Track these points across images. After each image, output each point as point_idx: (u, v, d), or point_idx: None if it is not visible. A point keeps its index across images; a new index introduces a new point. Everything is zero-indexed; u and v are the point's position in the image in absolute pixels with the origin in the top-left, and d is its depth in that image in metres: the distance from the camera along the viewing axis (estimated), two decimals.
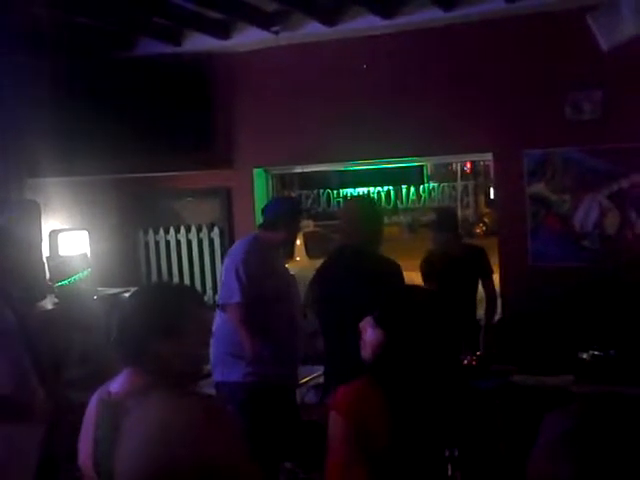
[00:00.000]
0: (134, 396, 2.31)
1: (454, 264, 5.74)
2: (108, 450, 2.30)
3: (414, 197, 7.36)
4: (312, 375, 5.81)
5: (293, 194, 8.58)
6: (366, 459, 2.40)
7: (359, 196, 7.39)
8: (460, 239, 6.26)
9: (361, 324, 2.53)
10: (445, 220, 5.96)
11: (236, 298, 4.67)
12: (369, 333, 2.50)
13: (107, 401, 2.38)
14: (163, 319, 2.35)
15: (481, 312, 5.98)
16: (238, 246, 4.99)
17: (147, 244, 7.68)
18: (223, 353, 4.76)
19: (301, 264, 12.58)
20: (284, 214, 4.89)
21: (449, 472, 2.33)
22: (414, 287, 2.64)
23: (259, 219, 7.20)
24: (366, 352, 2.51)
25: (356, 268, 4.37)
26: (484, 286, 5.91)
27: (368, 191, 7.45)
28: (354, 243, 4.63)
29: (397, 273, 4.39)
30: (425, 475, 2.40)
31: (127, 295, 2.47)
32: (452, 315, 2.60)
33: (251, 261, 4.74)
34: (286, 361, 4.85)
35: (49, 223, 6.33)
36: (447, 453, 2.33)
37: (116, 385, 2.40)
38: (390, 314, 2.49)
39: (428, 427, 2.41)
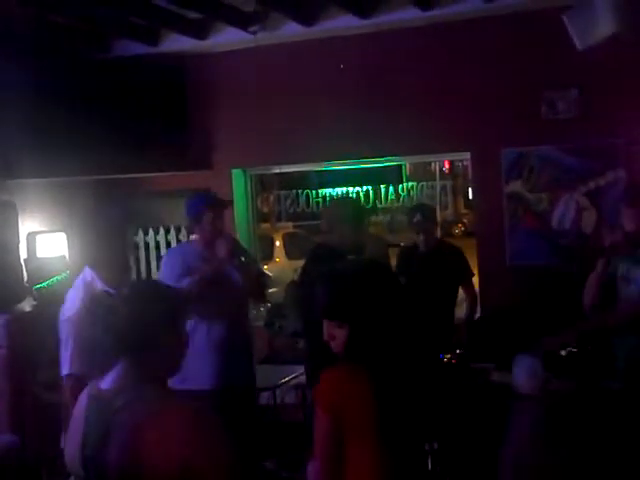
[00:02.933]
0: (124, 393, 2.31)
1: (430, 261, 5.69)
2: (96, 446, 2.30)
3: (393, 197, 7.36)
4: (292, 375, 5.81)
5: (272, 195, 8.57)
6: (350, 448, 2.42)
7: (344, 196, 7.37)
8: (434, 234, 6.21)
9: (325, 336, 2.53)
10: (424, 215, 5.88)
11: None
12: (337, 335, 2.52)
13: (97, 397, 2.38)
14: (168, 312, 2.41)
15: (459, 312, 5.97)
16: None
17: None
18: None
19: (280, 265, 12.59)
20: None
21: (429, 466, 2.34)
22: (356, 270, 2.63)
23: (239, 219, 7.25)
24: (339, 350, 2.52)
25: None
26: (464, 287, 5.87)
27: (347, 191, 7.44)
28: (335, 243, 4.64)
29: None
30: (408, 465, 2.41)
31: (111, 293, 2.47)
32: (420, 302, 2.62)
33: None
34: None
35: (26, 225, 6.29)
36: (427, 447, 2.34)
37: (106, 382, 2.40)
38: (343, 307, 2.50)
39: (408, 403, 2.43)
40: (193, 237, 5.04)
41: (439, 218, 6.96)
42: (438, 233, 6.31)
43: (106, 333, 2.37)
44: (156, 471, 2.24)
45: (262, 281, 5.26)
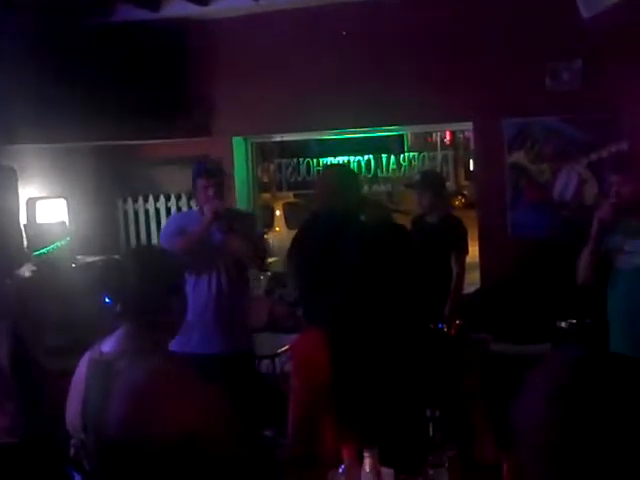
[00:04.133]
0: (126, 357, 2.32)
1: (430, 230, 5.67)
2: (97, 409, 2.31)
3: (394, 166, 7.33)
4: (290, 344, 5.81)
5: (272, 164, 8.54)
6: (321, 413, 2.46)
7: (335, 164, 7.33)
8: (445, 202, 6.17)
9: None
10: (430, 181, 5.85)
11: None
12: None
13: (98, 361, 2.39)
14: (176, 276, 2.48)
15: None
16: None
17: (126, 212, 7.64)
18: None
19: (281, 234, 12.60)
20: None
21: (430, 433, 2.35)
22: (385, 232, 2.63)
23: (240, 188, 7.23)
24: None
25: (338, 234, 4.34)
26: (456, 259, 5.78)
27: (348, 160, 7.41)
28: (329, 211, 4.62)
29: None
30: (395, 429, 2.42)
31: (119, 257, 2.50)
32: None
33: None
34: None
35: (26, 190, 6.27)
36: (428, 413, 2.35)
37: (108, 345, 2.41)
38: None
39: (375, 369, 2.44)
40: None
41: None
42: (445, 197, 6.21)
43: (110, 298, 2.38)
44: (155, 435, 2.25)
45: (260, 247, 5.26)
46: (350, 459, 2.29)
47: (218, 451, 2.30)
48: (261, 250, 5.13)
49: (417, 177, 5.70)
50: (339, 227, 4.39)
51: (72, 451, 2.44)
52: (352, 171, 6.06)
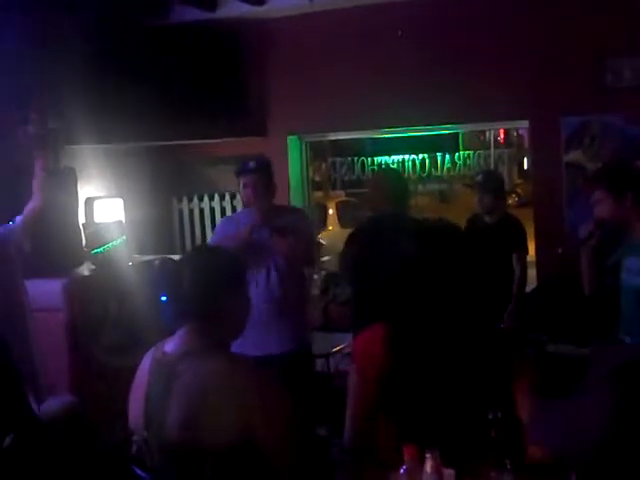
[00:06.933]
0: (189, 357, 2.33)
1: (489, 230, 5.65)
2: (159, 409, 2.32)
3: (449, 165, 7.29)
4: (344, 343, 5.82)
5: (324, 163, 8.53)
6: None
7: (386, 167, 7.33)
8: (505, 202, 6.13)
9: None
10: (491, 182, 5.80)
11: None
12: None
13: (161, 361, 2.40)
14: (233, 275, 2.45)
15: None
16: None
17: (181, 211, 7.71)
18: None
19: (333, 233, 12.59)
20: None
21: (492, 434, 2.32)
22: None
23: (294, 187, 7.24)
24: None
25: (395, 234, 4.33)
26: (518, 259, 5.77)
27: (402, 159, 7.38)
28: (383, 212, 4.62)
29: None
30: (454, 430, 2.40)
31: (174, 259, 2.51)
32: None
33: None
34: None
35: (85, 190, 6.36)
36: (490, 415, 2.32)
37: (171, 345, 2.42)
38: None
39: (435, 368, 2.42)
40: None
41: None
42: (505, 199, 6.17)
43: (171, 299, 2.39)
44: (218, 436, 2.25)
45: (310, 245, 5.16)
46: (412, 459, 2.27)
47: (277, 453, 2.30)
48: (310, 248, 5.04)
49: (479, 178, 5.68)
50: (396, 227, 4.40)
51: (134, 448, 2.46)
52: (401, 174, 6.08)
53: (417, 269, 2.46)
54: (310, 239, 5.07)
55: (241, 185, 4.75)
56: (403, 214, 4.74)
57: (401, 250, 2.54)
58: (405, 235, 2.62)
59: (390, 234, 4.33)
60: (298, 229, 4.80)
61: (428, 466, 2.25)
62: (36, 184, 4.60)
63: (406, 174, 7.09)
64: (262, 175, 4.75)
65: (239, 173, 4.75)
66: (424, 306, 2.46)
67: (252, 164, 4.80)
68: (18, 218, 4.57)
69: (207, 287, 2.37)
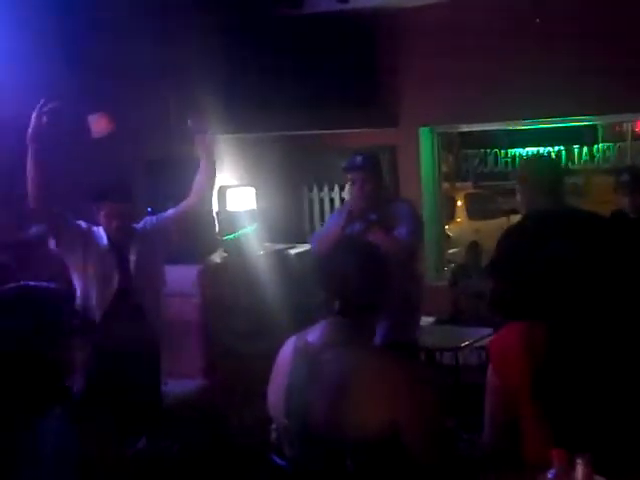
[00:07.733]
0: (332, 348, 2.32)
1: (636, 226, 5.39)
2: (301, 398, 2.32)
3: (587, 157, 7.04)
4: (474, 338, 5.73)
5: (452, 154, 8.38)
6: (522, 411, 2.35)
7: (539, 155, 7.07)
8: None
9: None
10: (633, 175, 5.53)
11: None
12: None
13: (304, 350, 2.40)
14: (387, 274, 2.44)
15: None
16: None
17: (311, 201, 7.77)
18: None
19: (461, 225, 12.43)
20: None
21: None
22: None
23: (425, 178, 7.18)
24: None
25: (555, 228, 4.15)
26: None
27: (537, 151, 7.19)
28: (542, 205, 4.44)
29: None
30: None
31: (337, 251, 2.50)
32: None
33: None
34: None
35: (218, 179, 6.46)
36: None
37: (314, 335, 2.41)
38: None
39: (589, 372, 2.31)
40: None
41: None
42: None
43: (328, 292, 2.38)
44: (363, 429, 2.23)
45: (406, 242, 4.89)
46: (561, 465, 2.18)
47: (423, 452, 2.26)
48: (409, 240, 4.60)
49: (625, 177, 5.39)
50: (555, 221, 4.23)
51: (273, 435, 2.46)
52: (557, 162, 5.80)
53: (577, 265, 2.36)
54: (411, 230, 4.79)
55: (349, 179, 4.68)
56: (572, 209, 4.48)
57: (575, 248, 2.42)
58: (564, 231, 2.52)
59: (561, 231, 4.13)
60: (398, 220, 4.57)
61: (579, 473, 2.14)
62: (198, 184, 4.65)
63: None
64: (369, 172, 4.61)
65: (346, 169, 4.65)
66: (592, 305, 2.35)
67: (359, 160, 4.65)
68: (171, 210, 4.63)
69: (370, 283, 2.36)
